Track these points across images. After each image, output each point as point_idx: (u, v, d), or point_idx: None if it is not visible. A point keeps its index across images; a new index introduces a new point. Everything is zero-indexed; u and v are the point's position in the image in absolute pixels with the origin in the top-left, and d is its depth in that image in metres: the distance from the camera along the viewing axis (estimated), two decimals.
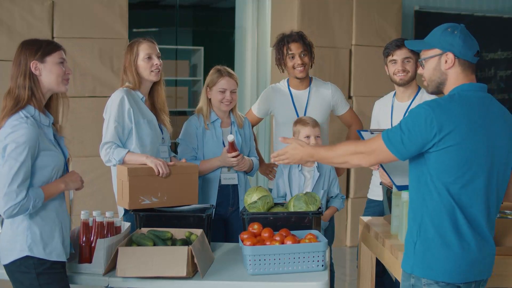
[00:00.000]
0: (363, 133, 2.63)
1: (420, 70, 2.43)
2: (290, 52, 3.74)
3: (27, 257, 2.44)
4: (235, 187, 3.50)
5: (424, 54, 2.36)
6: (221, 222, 3.48)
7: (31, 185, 2.42)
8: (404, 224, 2.77)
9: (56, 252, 2.49)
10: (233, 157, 3.38)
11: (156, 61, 3.25)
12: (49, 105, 2.61)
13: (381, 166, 2.67)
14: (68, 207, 2.69)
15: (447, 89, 2.33)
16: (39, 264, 2.45)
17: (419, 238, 2.27)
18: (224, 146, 3.46)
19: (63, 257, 2.52)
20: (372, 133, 2.54)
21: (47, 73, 2.51)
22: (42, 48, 2.51)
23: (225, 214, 3.50)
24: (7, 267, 2.49)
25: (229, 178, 3.49)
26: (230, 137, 3.37)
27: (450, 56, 2.28)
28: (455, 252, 2.22)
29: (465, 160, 2.20)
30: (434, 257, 2.24)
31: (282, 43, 3.78)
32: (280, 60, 3.81)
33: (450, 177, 2.21)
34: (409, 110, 2.34)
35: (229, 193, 3.49)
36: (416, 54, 3.57)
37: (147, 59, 3.24)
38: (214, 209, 3.38)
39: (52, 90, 2.55)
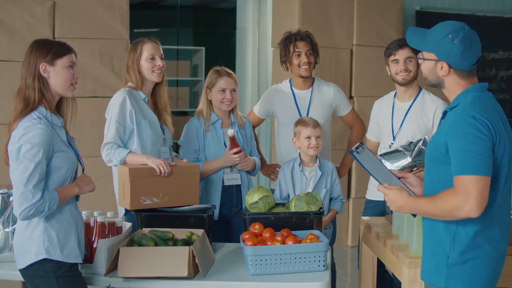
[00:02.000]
0: (353, 153, 2.54)
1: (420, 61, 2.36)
2: (297, 50, 3.73)
3: (45, 260, 2.42)
4: (238, 187, 3.50)
5: (423, 53, 2.31)
6: (224, 223, 3.48)
7: (46, 186, 2.41)
8: (405, 224, 2.77)
9: (74, 254, 2.48)
10: (235, 153, 3.37)
11: (159, 62, 3.25)
12: (58, 107, 2.59)
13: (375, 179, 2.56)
14: None
15: (448, 92, 2.28)
16: (58, 268, 2.43)
17: (453, 250, 2.18)
18: (226, 146, 3.45)
19: (80, 259, 2.52)
20: (358, 152, 2.48)
21: (55, 76, 2.48)
22: (53, 50, 2.48)
23: (228, 215, 3.49)
24: (24, 271, 2.47)
25: (232, 178, 3.48)
26: (230, 132, 3.36)
27: (444, 66, 2.23)
28: (490, 259, 2.17)
29: (505, 160, 2.14)
30: (471, 268, 2.16)
31: (289, 41, 3.77)
32: (286, 58, 3.80)
33: (498, 179, 2.14)
34: (449, 132, 2.16)
35: (233, 194, 3.49)
36: (418, 53, 3.57)
37: (150, 59, 3.23)
38: (215, 210, 3.38)
39: (59, 94, 2.53)
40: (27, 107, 2.44)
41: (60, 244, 2.45)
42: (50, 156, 2.41)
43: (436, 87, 2.34)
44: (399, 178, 2.42)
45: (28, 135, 2.37)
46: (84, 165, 2.66)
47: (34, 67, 2.46)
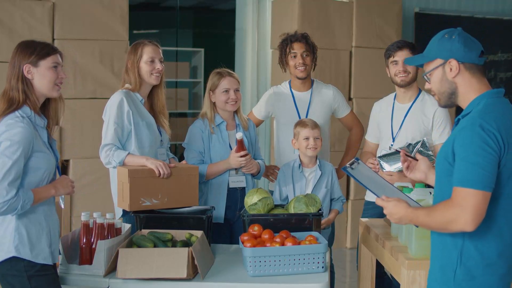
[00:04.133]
0: (347, 169, 2.53)
1: (427, 86, 2.28)
2: (292, 51, 3.78)
3: (16, 259, 2.42)
4: (242, 191, 3.46)
5: (427, 68, 2.24)
6: (227, 226, 3.45)
7: (22, 185, 2.41)
8: (405, 226, 2.77)
9: (43, 255, 2.47)
10: (241, 156, 3.35)
11: (158, 65, 3.25)
12: (45, 107, 2.60)
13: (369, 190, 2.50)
14: (60, 215, 2.67)
15: (461, 99, 2.20)
16: (30, 267, 2.43)
17: (460, 265, 2.11)
18: (231, 149, 3.42)
19: (50, 261, 2.50)
20: (352, 168, 2.47)
21: (39, 77, 2.49)
22: (36, 51, 2.49)
23: (232, 219, 3.45)
24: None
25: (237, 181, 3.44)
26: (239, 135, 3.33)
27: (453, 63, 2.16)
28: (500, 275, 2.10)
29: None
30: (480, 285, 2.10)
31: (285, 42, 3.83)
32: (282, 60, 3.84)
33: (504, 191, 2.08)
34: (456, 140, 2.09)
35: (237, 198, 3.44)
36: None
37: (149, 62, 3.23)
38: (221, 213, 3.36)
39: (44, 94, 2.54)
40: (10, 107, 2.45)
41: (30, 243, 2.44)
42: (29, 156, 2.42)
43: (452, 102, 2.23)
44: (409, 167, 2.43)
45: (9, 132, 2.38)
46: (60, 168, 2.65)
47: (18, 69, 2.48)
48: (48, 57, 2.51)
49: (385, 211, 2.27)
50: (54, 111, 2.62)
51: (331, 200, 3.52)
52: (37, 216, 2.49)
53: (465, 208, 2.00)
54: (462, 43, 2.15)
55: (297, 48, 3.77)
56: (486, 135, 2.01)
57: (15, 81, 2.48)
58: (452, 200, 2.05)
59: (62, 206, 2.75)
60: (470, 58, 2.16)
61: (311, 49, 3.81)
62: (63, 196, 2.67)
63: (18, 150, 2.37)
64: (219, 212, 3.39)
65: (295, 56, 3.77)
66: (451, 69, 2.17)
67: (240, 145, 3.35)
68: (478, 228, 2.04)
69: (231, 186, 3.44)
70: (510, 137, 2.05)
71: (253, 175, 3.53)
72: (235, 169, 3.43)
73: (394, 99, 3.68)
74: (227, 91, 3.43)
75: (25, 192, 2.40)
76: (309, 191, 3.41)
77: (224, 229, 3.41)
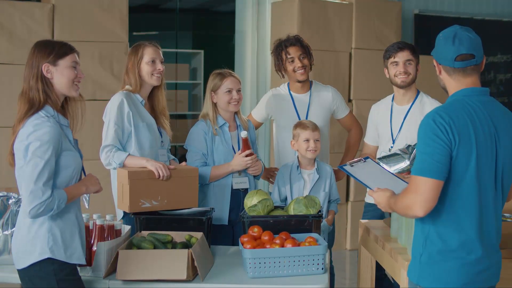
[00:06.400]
0: (345, 167, 2.61)
1: None
2: (289, 56, 3.75)
3: (47, 262, 2.39)
4: (246, 192, 3.40)
5: None
6: (230, 227, 3.43)
7: (55, 185, 2.40)
8: (404, 227, 2.78)
9: (77, 255, 2.47)
10: (247, 155, 3.33)
11: (159, 66, 3.26)
12: (64, 108, 2.58)
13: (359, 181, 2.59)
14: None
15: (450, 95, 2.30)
16: (59, 270, 2.41)
17: (425, 250, 2.23)
18: (234, 150, 3.41)
19: (83, 260, 2.50)
20: (352, 165, 2.52)
21: (59, 76, 2.47)
22: (55, 50, 2.48)
23: (235, 221, 3.42)
24: (25, 271, 2.43)
25: (241, 182, 3.42)
26: (244, 133, 3.31)
27: (434, 63, 2.30)
28: (462, 263, 2.18)
29: (472, 165, 2.14)
30: (441, 269, 2.19)
31: (280, 48, 3.78)
32: (280, 66, 3.81)
33: (462, 184, 2.16)
34: (417, 135, 2.24)
35: (240, 199, 3.39)
36: (417, 57, 3.58)
37: (151, 63, 3.24)
38: (225, 215, 3.35)
39: (63, 94, 2.52)
40: (32, 108, 2.43)
41: (64, 244, 2.43)
42: (59, 155, 2.41)
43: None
44: None
45: (37, 132, 2.36)
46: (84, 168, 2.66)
47: (36, 68, 2.46)
48: (67, 56, 2.50)
49: (374, 201, 2.44)
50: (73, 110, 2.60)
51: (328, 201, 3.52)
52: (70, 215, 2.48)
53: (416, 194, 2.15)
54: (441, 44, 2.26)
55: (293, 52, 3.74)
56: (436, 127, 2.14)
57: (34, 81, 2.45)
58: (408, 188, 2.21)
59: (87, 206, 2.74)
60: (444, 60, 2.26)
61: (306, 50, 3.79)
62: (86, 196, 2.67)
63: (49, 149, 2.35)
64: (223, 214, 3.37)
65: (292, 61, 3.74)
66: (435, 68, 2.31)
67: (245, 144, 3.32)
68: (441, 217, 2.18)
69: (234, 187, 3.41)
70: (464, 132, 2.15)
71: (254, 176, 3.51)
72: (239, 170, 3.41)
73: (392, 101, 3.68)
74: (229, 91, 3.42)
75: (59, 192, 2.39)
76: (306, 192, 3.41)
77: (227, 230, 3.41)
